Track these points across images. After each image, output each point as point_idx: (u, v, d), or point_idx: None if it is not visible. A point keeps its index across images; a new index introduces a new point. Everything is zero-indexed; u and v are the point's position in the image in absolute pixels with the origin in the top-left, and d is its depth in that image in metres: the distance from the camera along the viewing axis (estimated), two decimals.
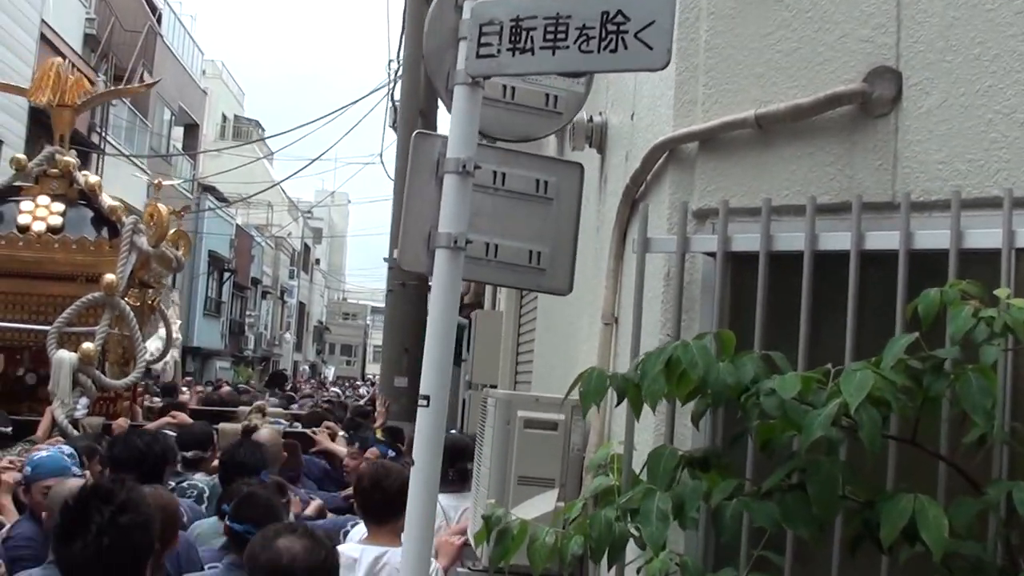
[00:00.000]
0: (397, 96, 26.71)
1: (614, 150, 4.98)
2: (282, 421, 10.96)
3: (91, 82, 24.19)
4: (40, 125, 21.17)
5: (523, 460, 4.48)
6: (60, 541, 3.28)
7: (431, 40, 3.61)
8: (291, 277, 64.73)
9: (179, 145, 37.59)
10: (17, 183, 10.58)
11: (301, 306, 70.64)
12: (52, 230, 10.03)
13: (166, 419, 9.10)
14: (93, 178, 10.71)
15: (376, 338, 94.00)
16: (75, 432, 8.45)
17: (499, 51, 3.16)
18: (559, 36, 3.04)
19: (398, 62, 20.17)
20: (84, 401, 9.27)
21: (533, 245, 3.73)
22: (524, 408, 4.62)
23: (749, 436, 2.96)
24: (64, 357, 9.18)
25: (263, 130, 52.36)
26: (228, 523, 4.81)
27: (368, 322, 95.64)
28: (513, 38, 3.13)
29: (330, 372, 68.82)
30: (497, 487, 4.54)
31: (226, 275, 43.50)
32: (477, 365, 11.28)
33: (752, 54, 3.69)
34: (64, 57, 22.80)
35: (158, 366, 12.77)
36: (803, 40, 3.62)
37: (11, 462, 6.27)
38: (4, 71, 20.70)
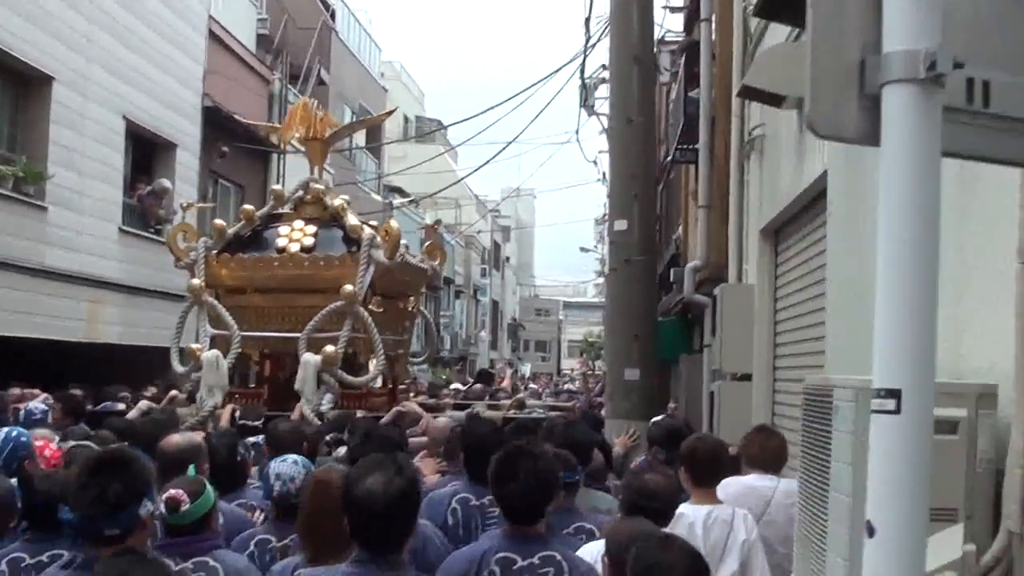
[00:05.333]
0: (587, 73, 26.19)
1: None
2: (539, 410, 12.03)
3: (267, 81, 24.37)
4: (215, 127, 21.10)
5: None
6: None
7: None
8: (483, 275, 64.81)
9: (360, 143, 37.33)
10: (277, 211, 12.13)
11: (495, 304, 71.04)
12: (305, 250, 11.34)
13: (395, 410, 9.97)
14: (338, 201, 11.95)
15: (571, 332, 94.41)
16: (318, 423, 9.43)
17: None
18: None
19: (587, 32, 19.31)
20: (329, 397, 10.50)
21: None
22: None
23: None
24: (309, 359, 10.49)
25: (445, 129, 52.14)
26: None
27: (561, 317, 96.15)
28: None
29: (527, 369, 68.51)
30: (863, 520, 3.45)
31: None
32: (727, 349, 10.20)
33: None
34: (236, 55, 22.98)
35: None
36: None
37: None
38: (175, 71, 20.94)
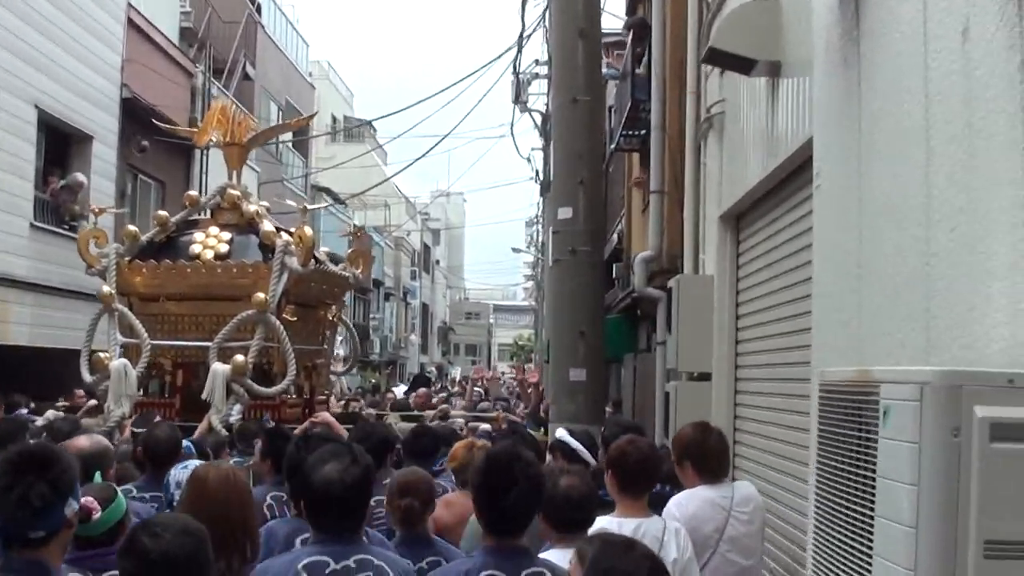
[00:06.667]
0: (521, 68, 25.54)
1: None
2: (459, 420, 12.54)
3: (190, 74, 23.44)
4: (134, 120, 20.08)
5: (992, 508, 2.56)
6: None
7: None
8: (413, 278, 64.02)
9: (288, 144, 36.33)
10: (193, 217, 12.07)
11: (424, 307, 70.47)
12: (219, 257, 11.19)
13: (309, 421, 9.65)
14: (253, 207, 11.75)
15: (501, 336, 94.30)
16: (226, 435, 9.34)
17: None
18: None
19: (523, 24, 18.74)
20: (238, 408, 10.36)
21: None
22: (989, 401, 2.67)
23: None
24: (218, 369, 10.38)
25: (374, 130, 51.16)
26: None
27: (491, 320, 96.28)
28: None
29: (456, 373, 68.06)
30: (933, 558, 2.68)
31: None
32: (683, 347, 9.40)
33: None
34: (157, 45, 21.96)
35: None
36: None
37: None
38: (91, 59, 19.97)
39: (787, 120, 6.75)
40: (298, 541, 5.00)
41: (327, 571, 4.16)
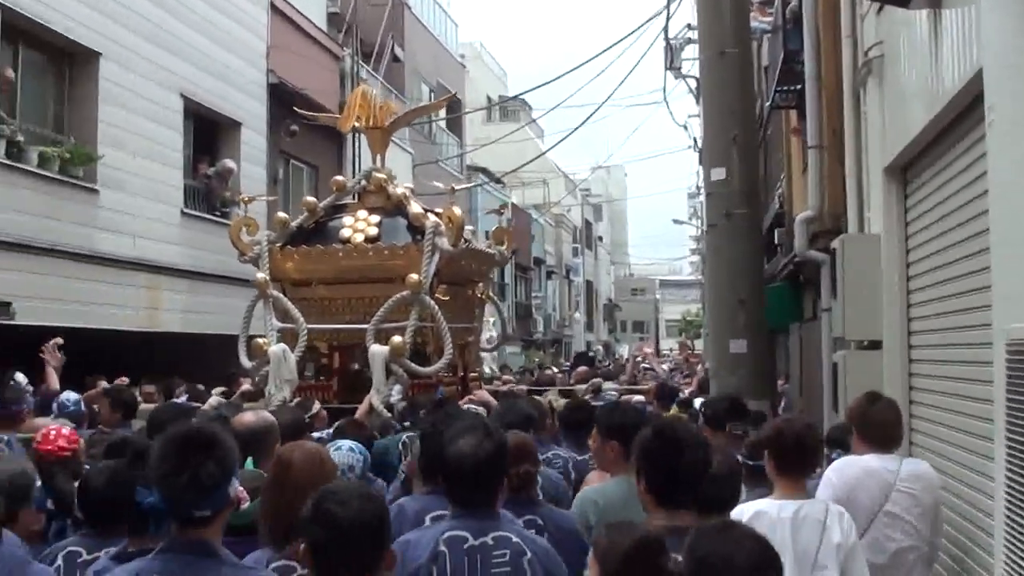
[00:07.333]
0: (672, 34, 24.79)
1: None
2: (612, 393, 12.46)
3: (337, 58, 23.41)
4: (282, 105, 20.09)
5: None
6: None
7: None
8: (575, 255, 63.79)
9: (442, 124, 36.28)
10: (340, 202, 12.17)
11: (588, 284, 70.37)
12: (369, 240, 11.25)
13: (467, 399, 10.08)
14: (400, 189, 11.89)
15: (668, 312, 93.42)
16: (388, 415, 9.64)
17: None
18: None
19: None
20: (398, 388, 10.40)
21: None
22: None
23: None
24: (377, 351, 10.49)
25: (530, 108, 50.72)
26: None
27: (657, 296, 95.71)
28: None
29: (624, 350, 67.61)
30: None
31: None
32: (850, 314, 8.70)
33: None
34: (302, 30, 21.96)
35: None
36: None
37: None
38: (235, 46, 20.07)
39: (952, 55, 6.13)
40: (428, 519, 4.92)
41: (465, 546, 4.28)
